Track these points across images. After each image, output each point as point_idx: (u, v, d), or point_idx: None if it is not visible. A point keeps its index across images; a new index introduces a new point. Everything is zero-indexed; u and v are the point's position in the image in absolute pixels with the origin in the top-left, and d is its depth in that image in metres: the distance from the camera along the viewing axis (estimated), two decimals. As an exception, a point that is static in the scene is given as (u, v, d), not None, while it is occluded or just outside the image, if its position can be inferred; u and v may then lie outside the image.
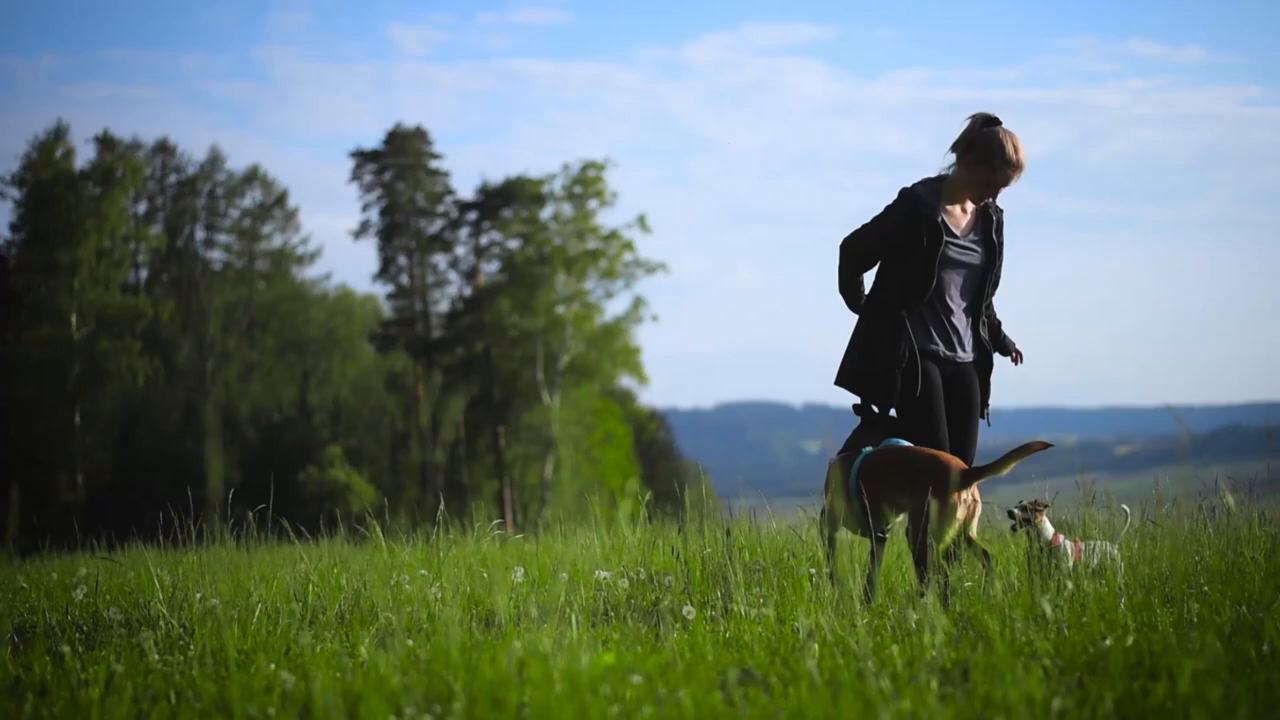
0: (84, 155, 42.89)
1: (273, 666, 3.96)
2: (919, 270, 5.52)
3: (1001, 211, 5.73)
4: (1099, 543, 5.59)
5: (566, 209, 45.43)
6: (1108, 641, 3.73)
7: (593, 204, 45.36)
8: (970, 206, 5.66)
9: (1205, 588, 4.80)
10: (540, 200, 45.26)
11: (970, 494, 5.25)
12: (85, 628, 5.17)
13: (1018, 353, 5.87)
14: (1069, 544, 5.48)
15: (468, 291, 46.69)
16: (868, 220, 5.67)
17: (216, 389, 46.32)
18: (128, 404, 42.83)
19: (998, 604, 4.41)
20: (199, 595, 5.36)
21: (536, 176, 45.36)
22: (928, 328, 5.62)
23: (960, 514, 5.20)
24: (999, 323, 5.86)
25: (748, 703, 3.33)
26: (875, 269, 5.74)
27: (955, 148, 5.60)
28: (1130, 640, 3.77)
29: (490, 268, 46.65)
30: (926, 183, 5.63)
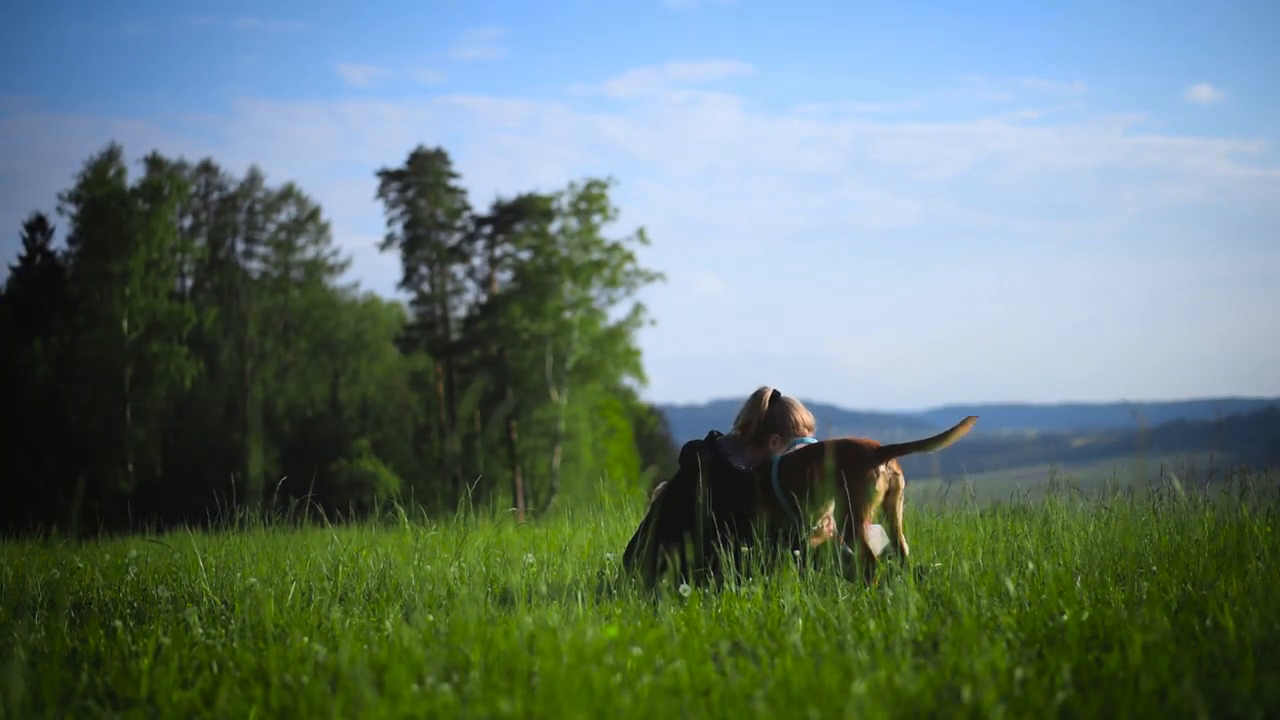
0: (134, 175, 42.97)
1: (306, 639, 3.96)
2: None
3: None
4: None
5: (573, 223, 45.42)
6: (1065, 616, 3.73)
7: (596, 219, 45.36)
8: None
9: (1154, 567, 4.80)
10: (549, 215, 45.25)
11: (890, 468, 5.12)
12: (136, 604, 5.17)
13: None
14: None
15: (483, 298, 46.67)
16: None
17: (255, 387, 46.31)
18: (175, 401, 42.79)
19: (965, 582, 4.41)
20: (239, 575, 5.36)
21: (546, 194, 45.42)
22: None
23: (880, 486, 5.08)
24: None
25: (738, 672, 3.33)
26: None
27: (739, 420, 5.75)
28: (1085, 615, 3.77)
29: (504, 277, 46.65)
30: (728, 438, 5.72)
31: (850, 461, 5.10)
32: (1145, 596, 4.08)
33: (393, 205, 47.14)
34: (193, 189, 47.64)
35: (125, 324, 40.32)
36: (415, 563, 5.72)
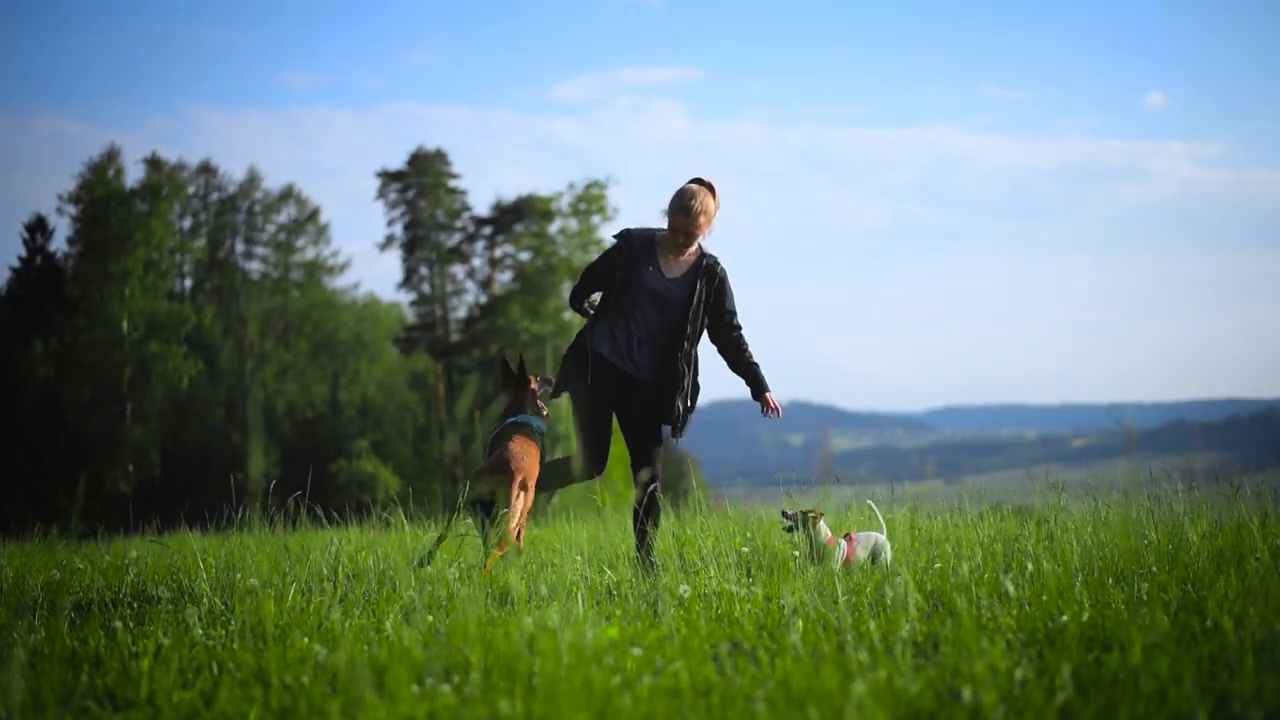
0: (134, 175, 42.98)
1: (306, 640, 3.96)
2: (615, 290, 5.89)
3: (715, 266, 5.98)
4: (870, 534, 5.80)
5: (572, 224, 45.43)
6: (1065, 617, 3.73)
7: (595, 219, 45.37)
8: (687, 256, 5.95)
9: (1153, 568, 4.80)
10: (549, 216, 45.26)
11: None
12: (136, 605, 5.17)
13: (771, 406, 6.08)
14: (843, 543, 5.71)
15: (483, 299, 46.68)
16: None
17: (255, 388, 46.30)
18: (174, 402, 42.78)
19: (965, 583, 4.41)
20: (239, 575, 5.36)
21: (546, 194, 45.42)
22: (613, 340, 5.92)
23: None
24: (753, 364, 6.05)
25: (738, 673, 3.34)
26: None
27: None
28: (1085, 616, 3.77)
29: (503, 277, 46.65)
30: (645, 229, 6.00)
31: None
32: (1145, 597, 4.08)
33: (393, 206, 47.16)
34: (192, 190, 47.65)
35: (125, 324, 40.31)
36: (415, 564, 5.71)
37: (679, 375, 5.93)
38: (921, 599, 4.24)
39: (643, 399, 5.95)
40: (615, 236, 6.02)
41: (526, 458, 5.83)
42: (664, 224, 5.95)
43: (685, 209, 5.81)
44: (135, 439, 40.54)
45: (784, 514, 5.80)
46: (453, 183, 47.16)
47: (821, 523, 5.72)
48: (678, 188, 5.90)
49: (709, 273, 5.95)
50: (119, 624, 4.30)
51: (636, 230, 5.98)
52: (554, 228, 45.34)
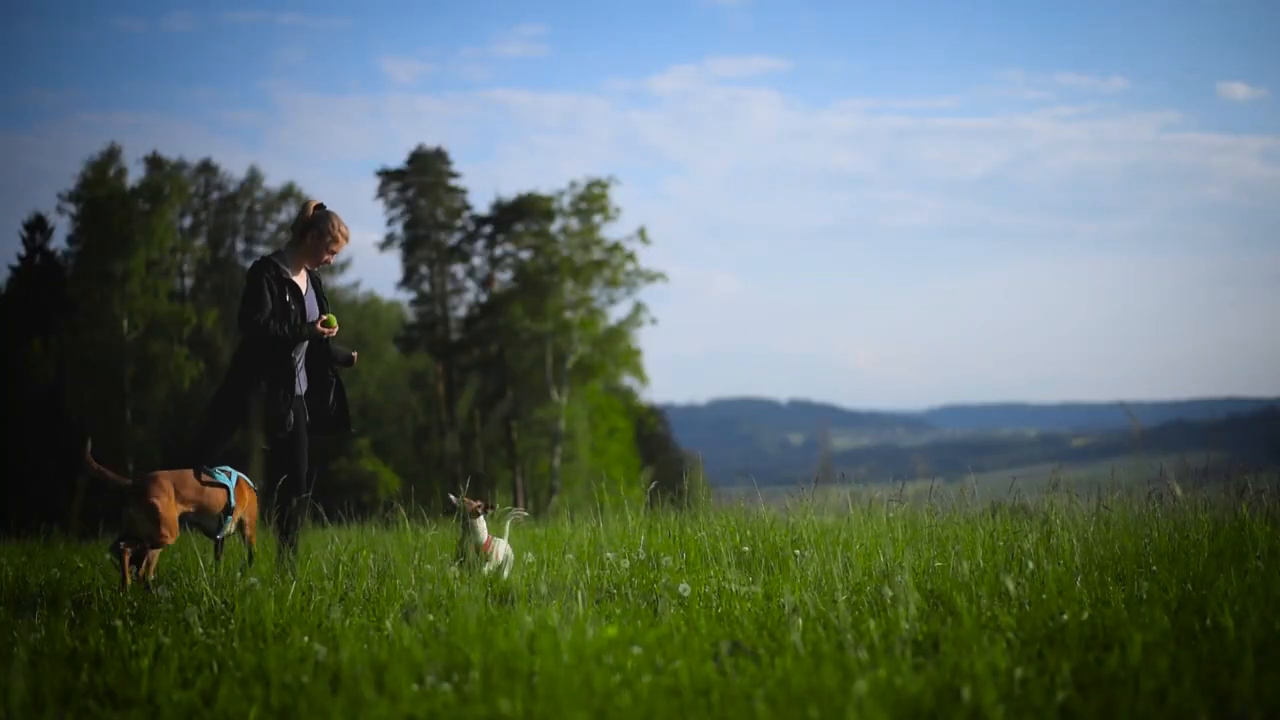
0: (134, 174, 42.94)
1: (307, 639, 3.96)
2: (290, 327, 6.06)
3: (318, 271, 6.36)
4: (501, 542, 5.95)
5: (574, 223, 45.39)
6: (1065, 616, 3.73)
7: (597, 219, 45.32)
8: (304, 272, 6.26)
9: (1154, 567, 4.80)
10: (550, 215, 45.22)
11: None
12: (136, 604, 5.17)
13: (350, 355, 6.50)
14: (499, 544, 5.87)
15: (483, 298, 46.67)
16: (249, 295, 6.07)
17: (255, 387, 46.25)
18: (175, 402, 42.77)
19: (965, 582, 4.41)
20: (239, 574, 5.36)
21: (547, 194, 45.40)
22: (292, 374, 6.20)
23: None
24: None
25: (738, 672, 3.33)
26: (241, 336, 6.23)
27: (295, 229, 6.23)
28: (1086, 615, 3.77)
29: (504, 276, 46.64)
30: (278, 254, 6.23)
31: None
32: (1145, 596, 4.08)
33: (393, 205, 47.17)
34: (193, 189, 47.66)
35: (125, 324, 40.31)
36: (415, 562, 5.72)
37: (327, 381, 6.46)
38: (921, 598, 4.24)
39: (300, 413, 6.38)
40: (267, 265, 6.13)
41: None
42: (297, 240, 6.20)
43: (347, 236, 6.20)
44: (136, 439, 40.55)
45: (449, 496, 5.97)
46: (452, 181, 47.18)
47: (480, 521, 5.82)
48: (324, 211, 6.17)
49: (320, 282, 6.35)
50: (119, 623, 4.30)
51: (278, 259, 6.18)
52: (555, 227, 45.32)
